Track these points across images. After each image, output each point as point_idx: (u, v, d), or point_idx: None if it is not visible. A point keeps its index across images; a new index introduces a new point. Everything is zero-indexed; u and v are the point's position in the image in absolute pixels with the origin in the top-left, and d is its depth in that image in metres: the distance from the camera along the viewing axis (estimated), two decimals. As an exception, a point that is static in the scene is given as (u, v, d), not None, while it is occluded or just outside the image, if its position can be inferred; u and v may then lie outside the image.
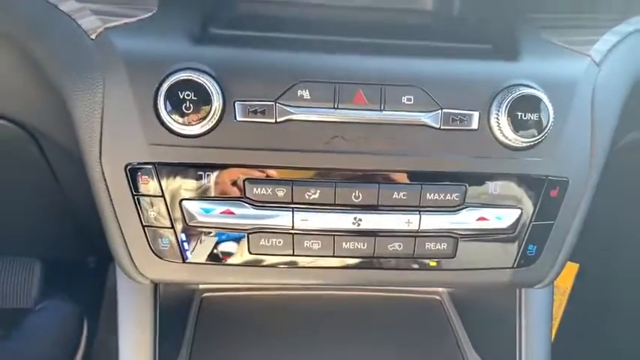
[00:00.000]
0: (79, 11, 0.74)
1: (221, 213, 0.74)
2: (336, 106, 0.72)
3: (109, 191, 0.74)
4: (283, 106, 0.71)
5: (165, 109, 0.69)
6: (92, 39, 0.73)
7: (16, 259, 1.61)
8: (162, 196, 0.73)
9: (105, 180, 0.73)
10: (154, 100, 0.70)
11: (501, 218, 0.78)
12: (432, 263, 0.79)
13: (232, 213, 0.74)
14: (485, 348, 1.01)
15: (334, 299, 1.09)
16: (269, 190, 0.74)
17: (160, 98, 0.69)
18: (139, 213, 0.74)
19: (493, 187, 0.77)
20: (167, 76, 0.70)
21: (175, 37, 0.74)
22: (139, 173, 0.73)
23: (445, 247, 0.78)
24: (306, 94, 0.72)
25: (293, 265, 0.77)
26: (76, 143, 0.75)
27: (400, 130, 0.74)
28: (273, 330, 1.03)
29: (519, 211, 0.78)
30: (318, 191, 0.74)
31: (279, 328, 1.03)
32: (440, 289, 1.14)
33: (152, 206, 0.74)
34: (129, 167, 0.72)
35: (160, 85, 0.69)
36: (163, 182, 0.73)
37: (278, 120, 0.72)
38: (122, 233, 0.75)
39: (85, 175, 0.76)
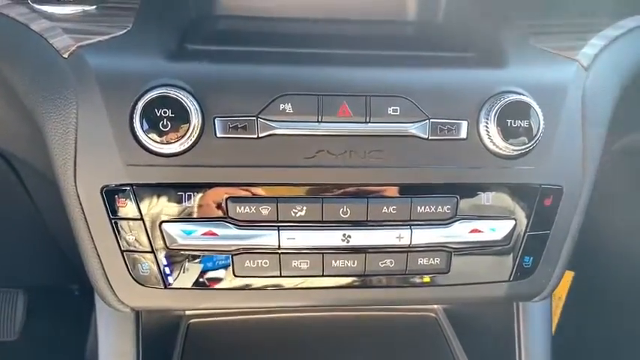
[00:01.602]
0: (50, 30, 0.72)
1: (203, 234, 0.70)
2: (320, 120, 0.70)
3: (85, 215, 0.70)
4: (265, 121, 0.69)
5: (142, 127, 0.66)
6: (65, 58, 0.70)
7: None
8: (141, 218, 0.70)
9: (80, 204, 0.70)
10: (129, 119, 0.67)
11: (495, 230, 0.75)
12: (426, 279, 0.76)
13: (215, 234, 0.70)
14: None
15: (326, 321, 1.06)
16: (253, 209, 0.70)
17: (136, 117, 0.66)
18: (117, 237, 0.70)
19: (485, 197, 0.74)
20: (143, 94, 0.67)
21: (151, 53, 0.71)
22: (116, 196, 0.69)
23: (438, 261, 0.75)
24: (288, 107, 0.69)
25: (281, 286, 0.74)
26: (51, 167, 0.72)
27: (387, 142, 0.71)
28: (264, 356, 0.99)
29: (513, 221, 0.75)
30: (305, 208, 0.71)
31: (270, 354, 0.99)
32: (435, 306, 1.11)
33: (131, 230, 0.70)
34: (105, 189, 0.69)
35: (136, 103, 0.67)
36: (142, 204, 0.69)
37: (260, 135, 0.69)
38: (100, 259, 0.72)
39: (62, 199, 0.72)
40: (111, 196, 0.69)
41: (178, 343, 1.00)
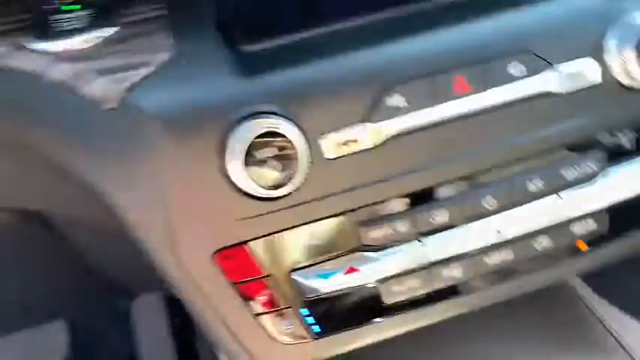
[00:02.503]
0: (78, 75, 0.57)
1: (341, 273, 0.60)
2: (436, 103, 0.58)
3: (199, 286, 0.58)
4: (377, 124, 0.57)
5: (244, 173, 0.54)
6: (113, 109, 0.56)
7: (38, 328, 1.44)
8: (267, 275, 0.59)
9: (189, 272, 0.58)
10: (220, 167, 0.54)
11: None
12: (583, 246, 0.67)
13: (355, 269, 0.60)
14: None
15: None
16: (389, 229, 0.60)
17: (235, 163, 0.53)
18: (245, 303, 0.59)
19: (629, 142, 0.65)
20: (230, 132, 0.54)
21: (212, 72, 0.57)
22: (231, 257, 0.58)
23: (593, 222, 0.66)
24: (400, 101, 0.57)
25: (433, 300, 0.65)
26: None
27: (518, 109, 0.60)
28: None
29: None
30: (445, 210, 0.61)
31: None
32: None
33: (260, 290, 0.59)
34: (217, 254, 0.57)
35: (224, 145, 0.54)
36: (265, 260, 0.58)
37: (376, 143, 0.57)
38: (229, 328, 0.61)
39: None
40: (225, 259, 0.57)
41: None
